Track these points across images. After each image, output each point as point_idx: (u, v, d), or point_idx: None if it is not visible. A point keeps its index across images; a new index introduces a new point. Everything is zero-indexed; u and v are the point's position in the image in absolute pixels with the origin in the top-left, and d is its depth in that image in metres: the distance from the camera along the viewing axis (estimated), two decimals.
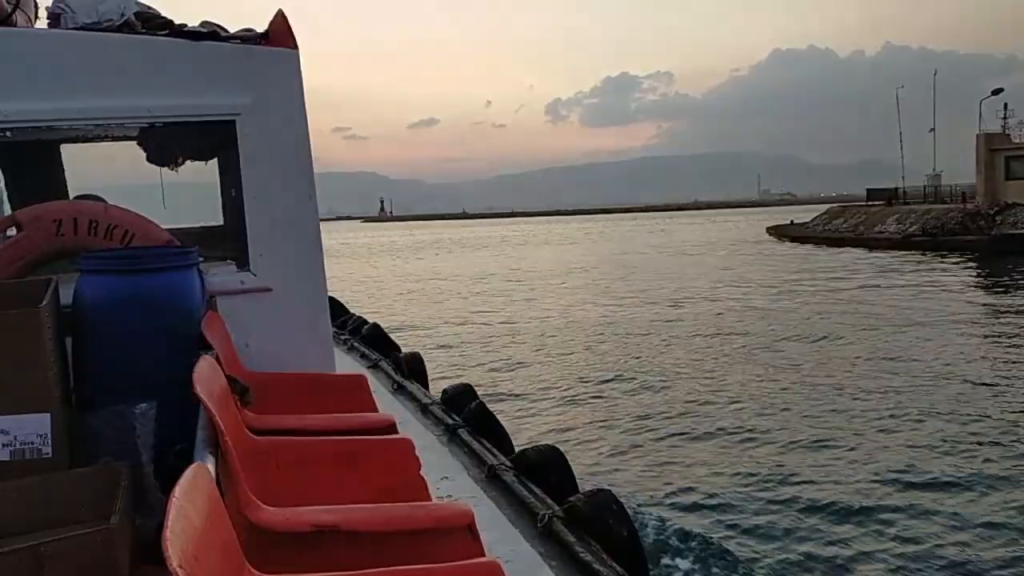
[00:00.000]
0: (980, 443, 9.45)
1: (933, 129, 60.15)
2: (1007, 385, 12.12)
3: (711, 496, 8.08)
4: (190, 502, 1.34)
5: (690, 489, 8.32)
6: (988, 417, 10.48)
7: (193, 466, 1.51)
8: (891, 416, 10.70)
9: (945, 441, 9.57)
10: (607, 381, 13.62)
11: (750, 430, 10.38)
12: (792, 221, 62.31)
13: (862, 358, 14.62)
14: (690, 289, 27.24)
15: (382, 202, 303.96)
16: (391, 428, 3.10)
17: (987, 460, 8.89)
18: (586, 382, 13.62)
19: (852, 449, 9.48)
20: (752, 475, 8.73)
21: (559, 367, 15.07)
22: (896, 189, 57.21)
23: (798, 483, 8.42)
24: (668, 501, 7.90)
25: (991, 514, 7.41)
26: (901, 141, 61.69)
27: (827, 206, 63.88)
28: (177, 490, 1.33)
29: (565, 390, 13.03)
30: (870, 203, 55.32)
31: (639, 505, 7.37)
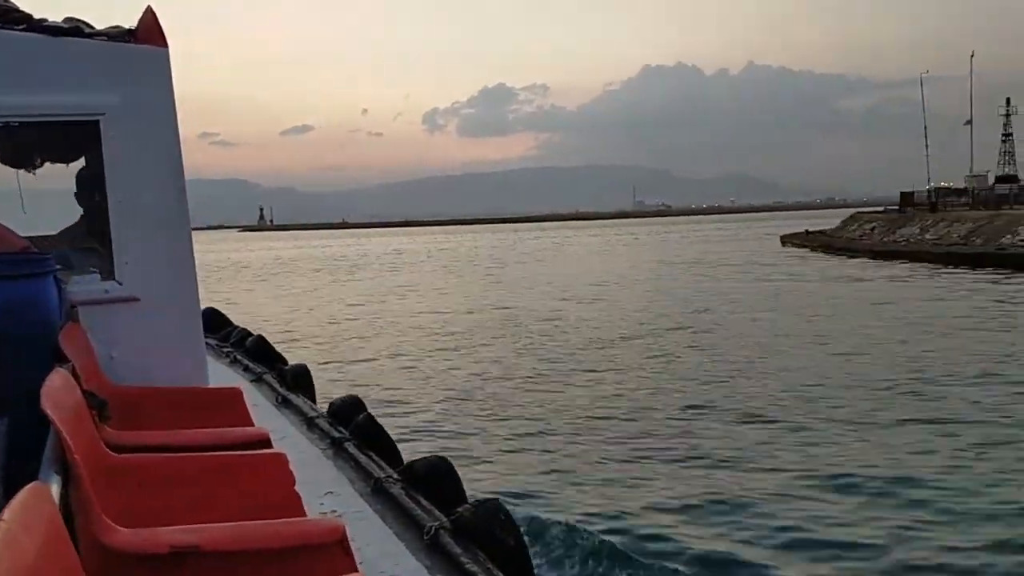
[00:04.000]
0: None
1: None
2: None
3: (603, 501, 8.06)
4: (23, 528, 1.19)
5: (581, 494, 8.29)
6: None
7: (28, 487, 1.36)
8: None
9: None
10: (499, 390, 13.57)
11: (642, 435, 10.44)
12: (808, 231, 58.92)
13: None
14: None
15: (261, 211, 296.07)
16: (265, 443, 2.99)
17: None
18: (477, 392, 13.55)
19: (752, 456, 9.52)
20: (645, 479, 8.76)
21: (450, 378, 14.90)
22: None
23: (689, 486, 8.41)
24: (559, 507, 7.83)
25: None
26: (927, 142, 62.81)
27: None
28: (6, 514, 1.18)
29: (456, 401, 12.95)
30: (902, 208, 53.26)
31: (529, 513, 7.29)
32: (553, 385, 13.82)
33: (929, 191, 65.33)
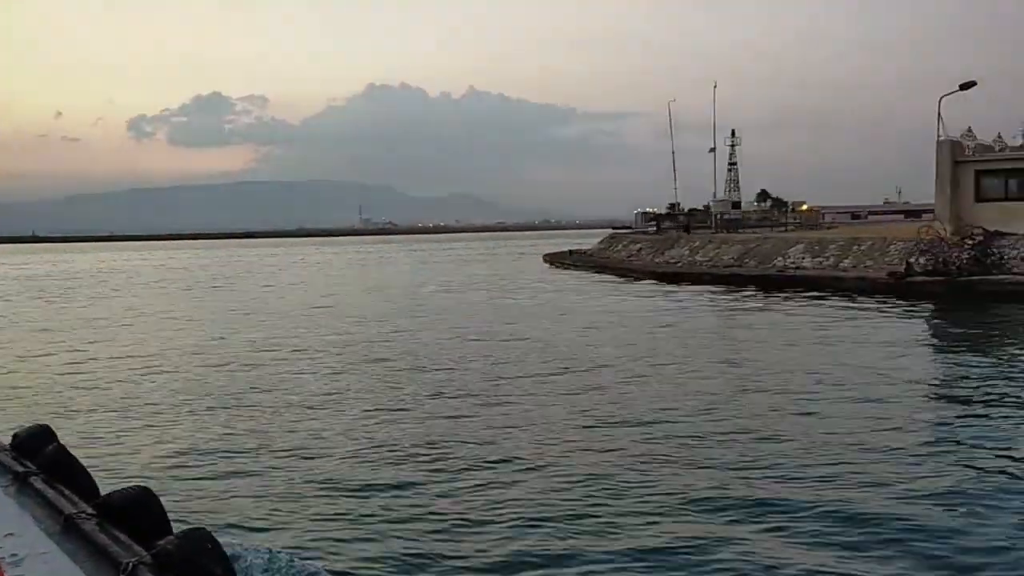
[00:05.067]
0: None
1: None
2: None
3: (317, 529, 7.99)
4: None
5: (293, 521, 8.21)
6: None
7: None
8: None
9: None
10: (210, 415, 13.05)
11: (354, 460, 10.35)
12: (571, 251, 58.96)
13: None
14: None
15: None
16: None
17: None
18: (186, 415, 13.08)
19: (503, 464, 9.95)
20: (355, 503, 8.74)
21: (157, 403, 14.10)
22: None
23: (402, 510, 8.41)
24: (271, 535, 7.71)
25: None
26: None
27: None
28: None
29: (162, 427, 12.30)
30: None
31: (241, 542, 7.14)
32: (270, 410, 13.38)
33: (679, 213, 68.12)
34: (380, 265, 68.60)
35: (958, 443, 10.61)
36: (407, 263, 70.53)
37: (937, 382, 15.40)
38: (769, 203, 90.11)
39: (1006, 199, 32.22)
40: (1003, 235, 31.14)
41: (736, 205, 73.95)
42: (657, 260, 45.35)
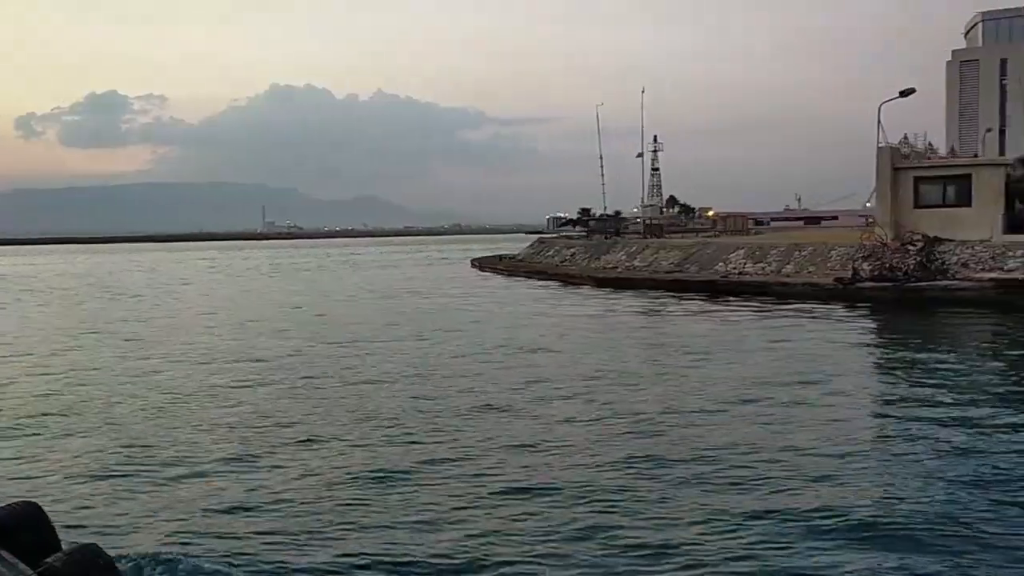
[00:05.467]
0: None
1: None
2: None
3: (214, 534, 7.96)
4: None
5: (190, 529, 8.11)
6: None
7: None
8: None
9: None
10: (103, 425, 12.76)
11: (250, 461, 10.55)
12: (500, 256, 57.61)
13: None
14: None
15: None
16: None
17: None
18: (72, 423, 12.85)
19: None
20: (253, 507, 8.79)
21: (44, 412, 13.74)
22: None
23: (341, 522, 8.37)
24: (168, 546, 7.56)
25: None
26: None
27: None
28: None
29: (51, 438, 11.99)
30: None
31: (135, 552, 7.11)
32: (167, 418, 13.22)
33: (590, 218, 67.78)
34: (299, 270, 65.95)
35: (906, 443, 11.08)
36: (331, 268, 68.11)
37: (893, 387, 15.32)
38: (677, 209, 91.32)
39: (944, 205, 32.66)
40: (942, 241, 31.55)
41: (661, 211, 74.36)
42: (593, 265, 44.68)
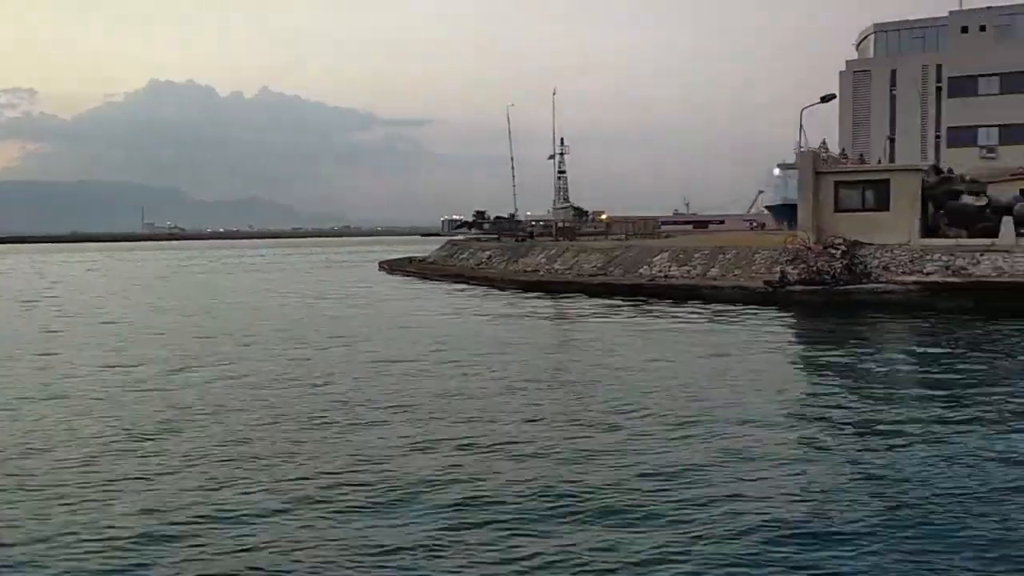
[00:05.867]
0: None
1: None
2: None
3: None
4: None
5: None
6: None
7: None
8: None
9: None
10: None
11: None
12: (410, 259, 55.81)
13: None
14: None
15: None
16: None
17: None
18: None
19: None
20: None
21: None
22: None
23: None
24: None
25: None
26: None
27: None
28: None
29: None
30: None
31: None
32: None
33: (485, 220, 67.06)
34: (198, 273, 62.61)
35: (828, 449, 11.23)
36: (231, 271, 64.95)
37: (835, 392, 15.16)
38: (572, 212, 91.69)
39: (863, 210, 33.28)
40: (862, 245, 32.11)
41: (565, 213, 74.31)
42: (512, 268, 43.80)
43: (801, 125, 34.68)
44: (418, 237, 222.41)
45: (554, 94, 70.22)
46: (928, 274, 29.97)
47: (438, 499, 9.15)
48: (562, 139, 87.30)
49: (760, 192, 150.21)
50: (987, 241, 30.87)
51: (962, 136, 63.55)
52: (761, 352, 19.88)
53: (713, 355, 19.20)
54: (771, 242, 35.78)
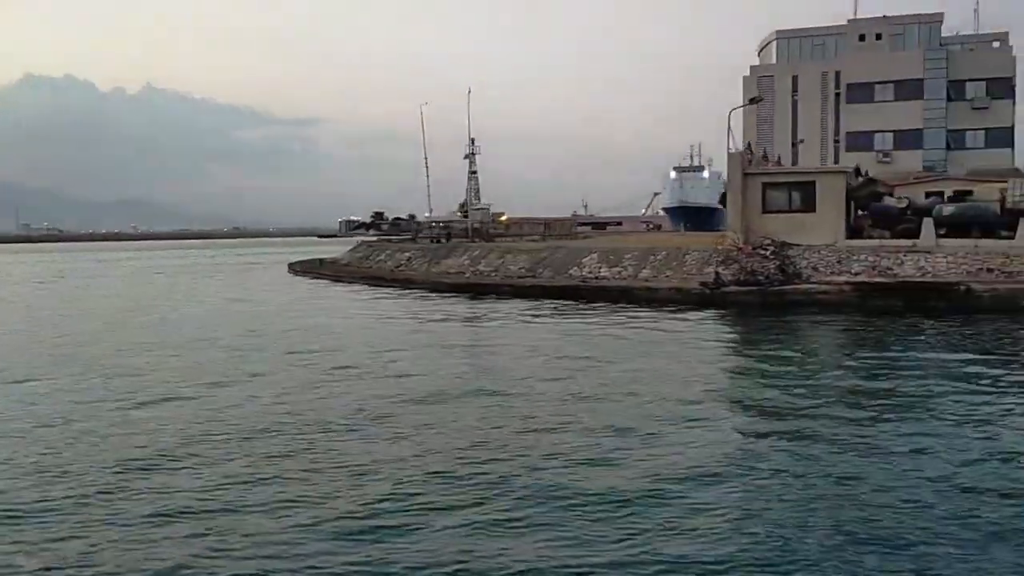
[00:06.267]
0: None
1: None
2: None
3: None
4: None
5: None
6: None
7: None
8: None
9: None
10: None
11: None
12: (321, 261, 53.50)
13: None
14: None
15: None
16: None
17: None
18: None
19: None
20: None
21: None
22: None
23: None
24: None
25: None
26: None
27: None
28: None
29: None
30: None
31: None
32: None
33: (383, 221, 65.85)
34: (86, 278, 58.84)
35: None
36: (117, 275, 61.36)
37: (783, 394, 14.95)
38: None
39: (790, 211, 33.78)
40: (790, 246, 32.58)
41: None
42: (435, 270, 42.70)
43: (729, 127, 35.18)
44: (315, 239, 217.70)
45: (469, 92, 69.38)
46: (856, 274, 30.60)
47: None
48: (472, 139, 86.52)
49: (656, 194, 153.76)
50: (909, 242, 31.81)
51: (860, 141, 66.12)
52: (708, 352, 19.70)
53: (656, 356, 18.93)
54: (703, 243, 35.95)
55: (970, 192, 36.64)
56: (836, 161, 65.86)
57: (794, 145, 70.24)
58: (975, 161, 59.09)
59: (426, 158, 64.10)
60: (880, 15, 68.66)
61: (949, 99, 65.61)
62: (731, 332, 24.40)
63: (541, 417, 12.98)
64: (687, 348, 20.28)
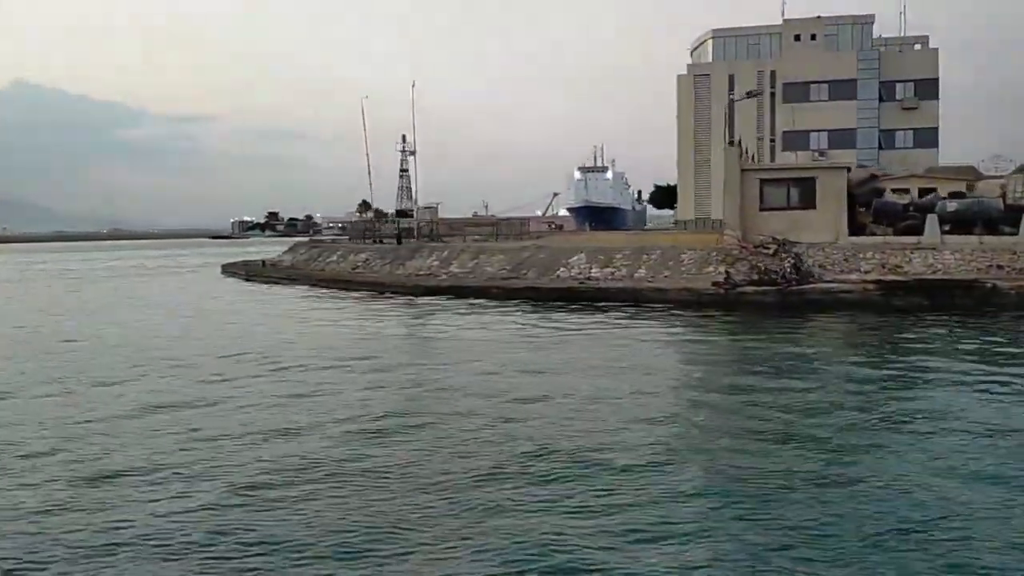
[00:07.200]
0: None
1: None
2: None
3: None
4: None
5: None
6: None
7: None
8: None
9: None
10: None
11: None
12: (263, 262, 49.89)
13: None
14: None
15: None
16: None
17: None
18: None
19: None
20: None
21: None
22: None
23: None
24: None
25: None
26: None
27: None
28: None
29: None
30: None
31: None
32: None
33: (278, 222, 62.95)
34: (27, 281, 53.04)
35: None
36: (34, 280, 55.72)
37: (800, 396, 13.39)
38: (371, 214, 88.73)
39: (789, 208, 32.72)
40: (792, 243, 31.52)
41: (406, 214, 70.59)
42: (400, 272, 39.86)
43: (731, 120, 33.64)
44: (208, 240, 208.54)
45: (413, 86, 66.61)
46: (866, 272, 29.72)
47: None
48: (404, 136, 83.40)
49: (555, 194, 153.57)
50: (913, 239, 31.18)
51: (796, 140, 66.69)
52: (771, 364, 18.00)
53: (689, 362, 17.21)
54: (699, 241, 34.56)
55: (934, 189, 36.72)
56: (772, 160, 66.17)
57: (731, 143, 70.34)
58: (905, 161, 60.29)
59: (368, 155, 60.87)
60: (814, 15, 69.46)
61: (881, 99, 66.97)
62: (757, 336, 22.65)
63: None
64: (744, 364, 18.53)
